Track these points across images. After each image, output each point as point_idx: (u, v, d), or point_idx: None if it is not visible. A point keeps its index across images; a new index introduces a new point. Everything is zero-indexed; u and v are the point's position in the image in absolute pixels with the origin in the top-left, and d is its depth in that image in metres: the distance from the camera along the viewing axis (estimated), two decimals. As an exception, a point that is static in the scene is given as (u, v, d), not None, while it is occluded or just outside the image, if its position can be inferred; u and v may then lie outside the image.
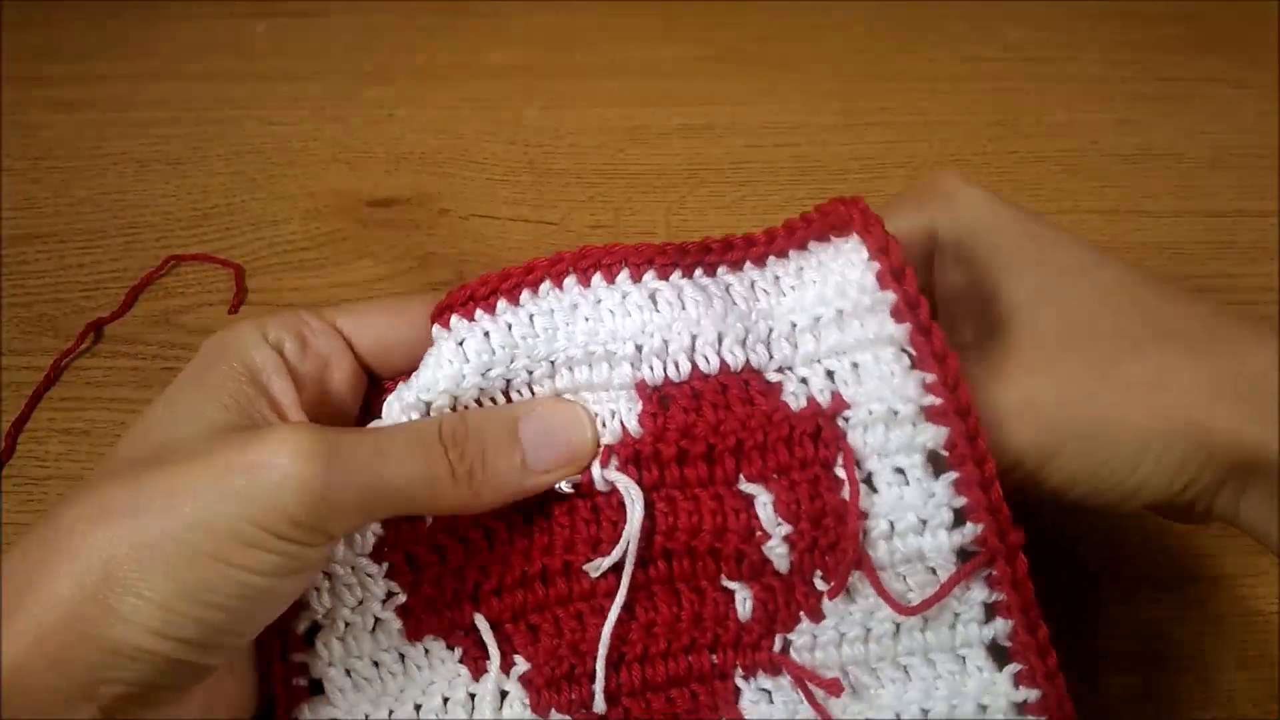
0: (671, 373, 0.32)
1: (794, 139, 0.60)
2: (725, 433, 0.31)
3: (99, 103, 0.63)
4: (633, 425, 0.32)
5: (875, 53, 0.67)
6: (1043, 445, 0.31)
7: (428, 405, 0.32)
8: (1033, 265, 0.33)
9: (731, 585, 0.32)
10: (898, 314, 0.31)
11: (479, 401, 0.33)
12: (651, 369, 0.32)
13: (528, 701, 0.32)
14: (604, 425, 0.32)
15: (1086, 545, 0.41)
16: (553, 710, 0.32)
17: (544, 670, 0.32)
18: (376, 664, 0.33)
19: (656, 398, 0.32)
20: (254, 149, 0.59)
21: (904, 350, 0.31)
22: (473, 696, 0.33)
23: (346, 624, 0.32)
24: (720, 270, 0.33)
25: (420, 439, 0.30)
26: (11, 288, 0.52)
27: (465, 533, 0.33)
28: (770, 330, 0.32)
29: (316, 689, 0.33)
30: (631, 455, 0.32)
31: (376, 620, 0.33)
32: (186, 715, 0.30)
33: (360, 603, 0.32)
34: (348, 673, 0.33)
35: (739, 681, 0.33)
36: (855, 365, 0.32)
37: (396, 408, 0.32)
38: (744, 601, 0.32)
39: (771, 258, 0.33)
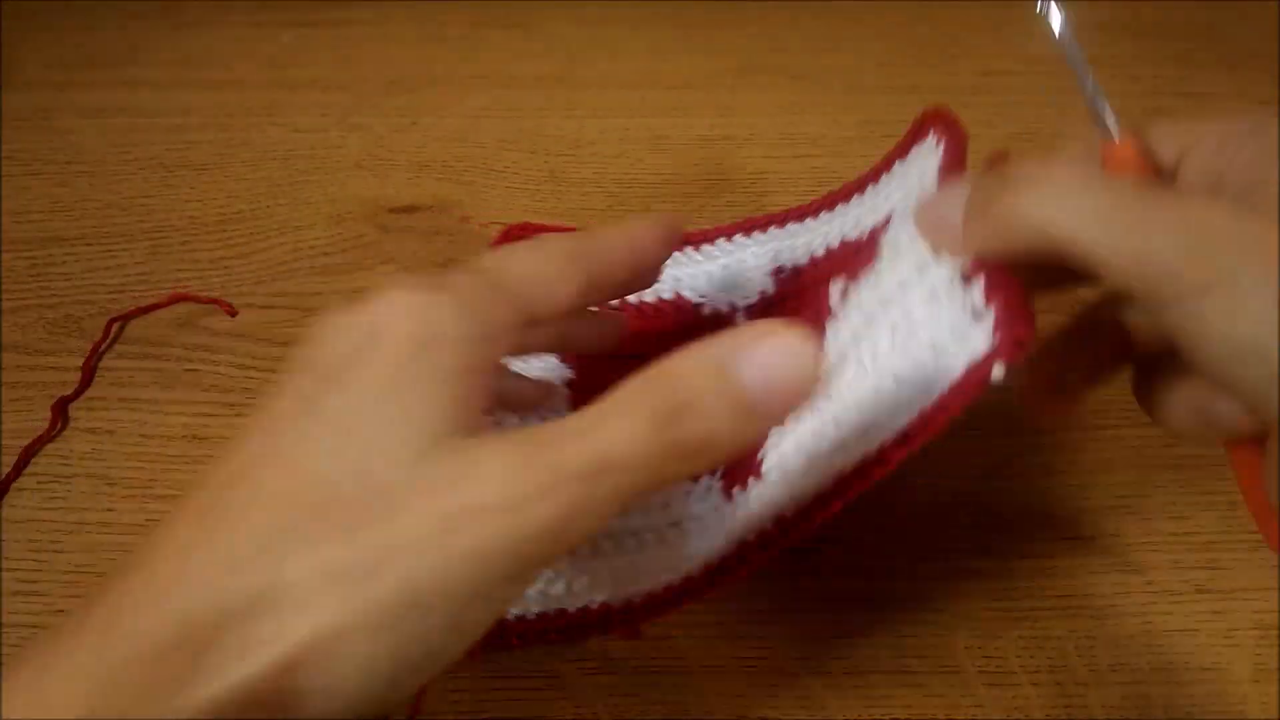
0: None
1: (813, 150, 0.60)
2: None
3: (127, 109, 0.64)
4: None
5: (895, 65, 0.67)
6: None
7: None
8: None
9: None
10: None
11: None
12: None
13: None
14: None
15: (1102, 559, 0.41)
16: None
17: None
18: None
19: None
20: (279, 155, 0.60)
21: None
22: None
23: None
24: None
25: (636, 428, 0.24)
26: (39, 289, 0.53)
27: None
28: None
29: None
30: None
31: None
32: None
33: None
34: None
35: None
36: None
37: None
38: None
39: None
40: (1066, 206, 0.26)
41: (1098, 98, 0.34)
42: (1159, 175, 0.31)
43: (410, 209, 0.57)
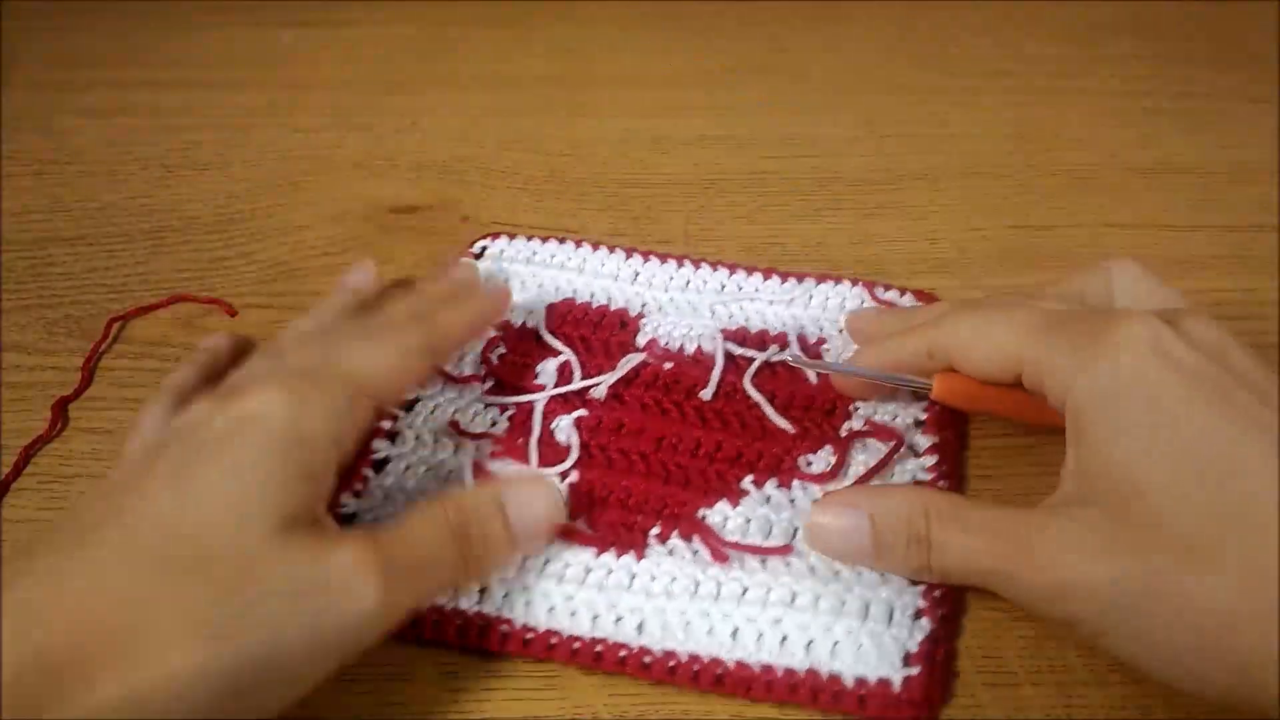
0: None
1: (812, 150, 0.60)
2: None
3: (128, 109, 0.64)
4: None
5: (895, 65, 0.67)
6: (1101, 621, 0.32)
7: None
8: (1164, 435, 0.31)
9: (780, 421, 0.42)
10: None
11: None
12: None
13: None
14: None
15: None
16: None
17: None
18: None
19: None
20: (280, 155, 0.60)
21: None
22: None
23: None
24: None
25: (440, 538, 0.33)
26: (39, 289, 0.53)
27: None
28: None
29: None
30: None
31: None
32: None
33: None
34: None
35: (747, 485, 0.40)
36: None
37: None
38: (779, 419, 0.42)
39: None
40: (954, 552, 0.34)
41: (896, 379, 0.40)
42: (984, 385, 0.38)
43: (410, 209, 0.57)
